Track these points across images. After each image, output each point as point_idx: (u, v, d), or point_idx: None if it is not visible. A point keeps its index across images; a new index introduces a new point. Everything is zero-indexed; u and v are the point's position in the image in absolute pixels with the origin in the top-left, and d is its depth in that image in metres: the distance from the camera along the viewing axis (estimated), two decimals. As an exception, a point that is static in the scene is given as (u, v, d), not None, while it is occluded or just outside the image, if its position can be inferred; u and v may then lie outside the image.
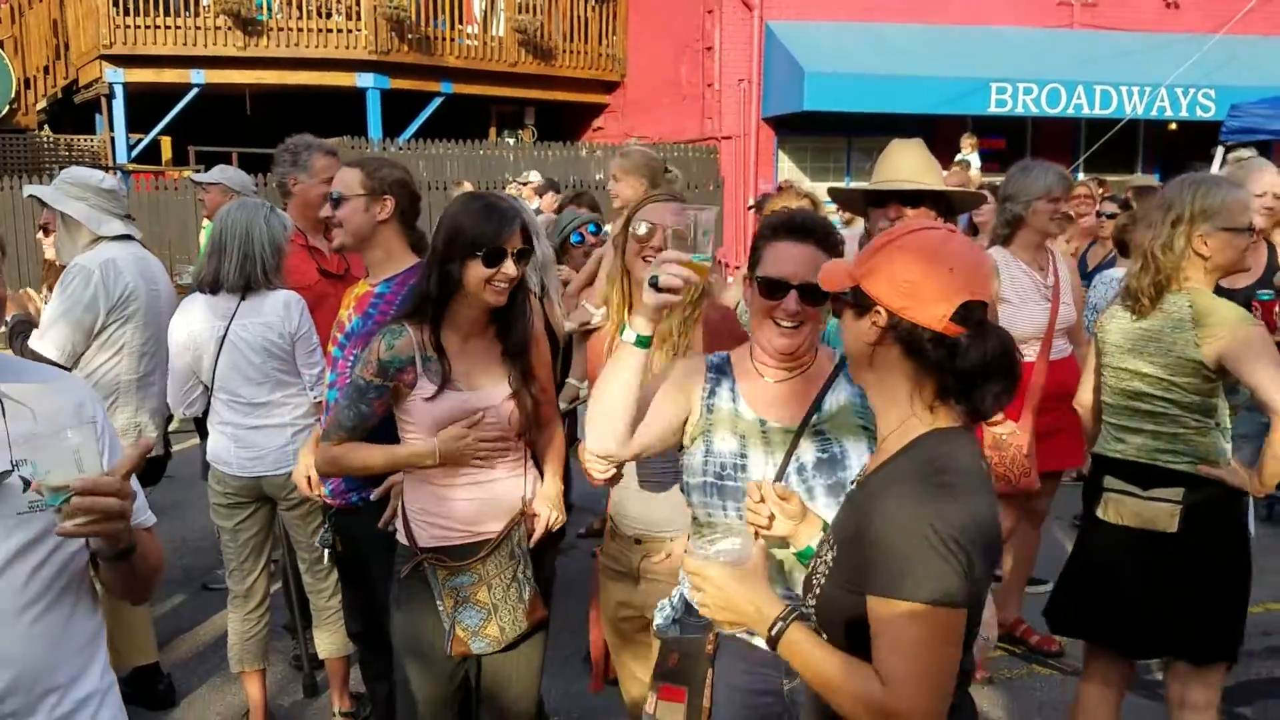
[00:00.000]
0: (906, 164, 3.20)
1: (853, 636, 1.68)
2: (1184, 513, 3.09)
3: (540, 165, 14.41)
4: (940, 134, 15.19)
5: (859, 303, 1.75)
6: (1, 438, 1.75)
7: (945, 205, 3.14)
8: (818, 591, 1.79)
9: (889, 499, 1.65)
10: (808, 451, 2.28)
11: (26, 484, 1.73)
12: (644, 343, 2.18)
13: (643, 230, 2.76)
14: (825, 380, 2.35)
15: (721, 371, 2.42)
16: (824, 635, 1.75)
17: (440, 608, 2.82)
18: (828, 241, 2.35)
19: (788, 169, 15.99)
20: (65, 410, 1.85)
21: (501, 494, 2.85)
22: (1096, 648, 3.41)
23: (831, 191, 4.09)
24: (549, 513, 2.91)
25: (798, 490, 2.20)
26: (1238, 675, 4.46)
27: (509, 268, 2.73)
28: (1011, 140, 15.41)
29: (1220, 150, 7.54)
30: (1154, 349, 3.12)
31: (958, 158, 13.10)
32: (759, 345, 2.35)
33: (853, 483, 1.92)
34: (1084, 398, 3.48)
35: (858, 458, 2.27)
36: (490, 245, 2.70)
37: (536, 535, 2.86)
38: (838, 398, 2.35)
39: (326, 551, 3.46)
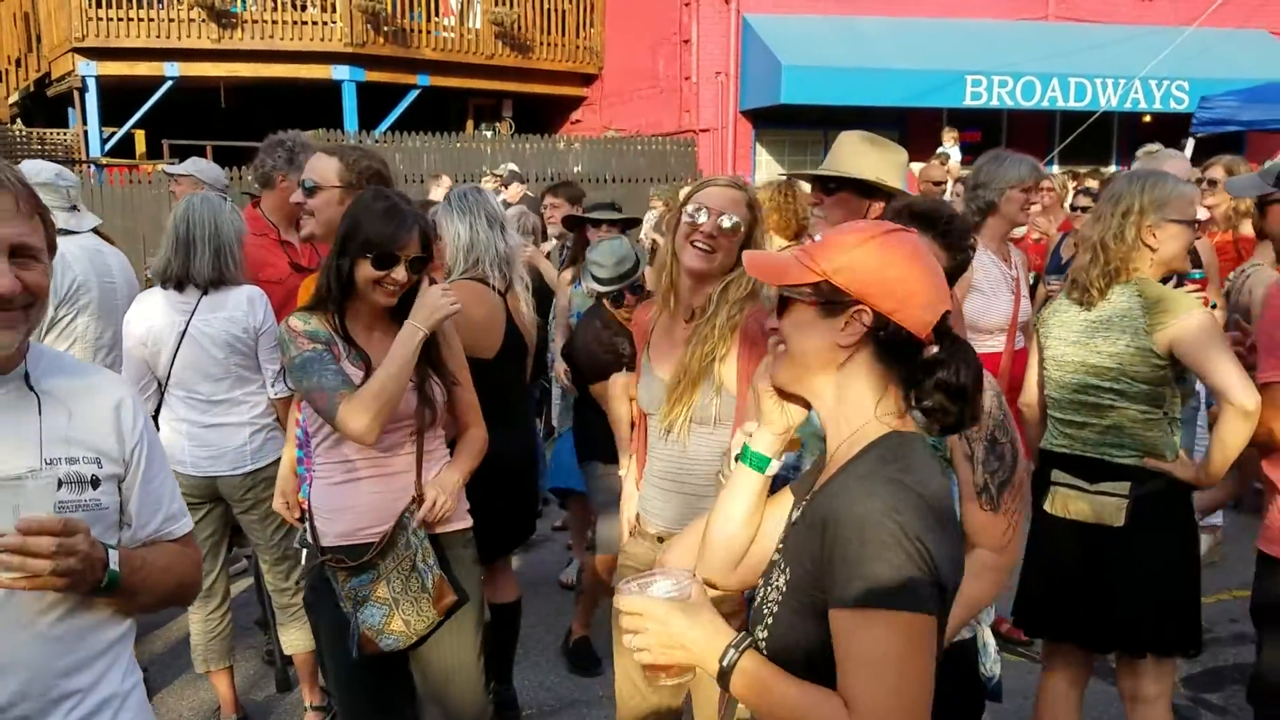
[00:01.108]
0: (841, 152, 3.18)
1: (814, 668, 1.52)
2: (1131, 506, 3.09)
3: (518, 158, 14.37)
4: (916, 127, 15.27)
5: (832, 299, 1.60)
6: (34, 435, 1.71)
7: (872, 193, 3.09)
8: (769, 621, 1.62)
9: (847, 499, 1.52)
10: None
11: (59, 483, 1.70)
12: (761, 464, 1.78)
13: (703, 218, 2.67)
14: None
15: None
16: None
17: (344, 609, 2.79)
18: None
19: (765, 162, 16.01)
20: (103, 410, 1.81)
21: (401, 488, 2.82)
22: (1053, 639, 3.42)
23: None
24: (435, 496, 2.82)
25: None
26: (1204, 663, 4.53)
27: (399, 273, 2.70)
28: (987, 133, 15.46)
29: (1190, 142, 7.61)
30: (1102, 339, 3.13)
31: (939, 150, 13.15)
32: None
33: (799, 504, 1.73)
34: (1029, 396, 3.48)
35: None
36: (382, 248, 2.68)
37: (419, 517, 2.79)
38: None
39: (305, 552, 3.45)
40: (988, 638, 2.51)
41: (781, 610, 1.59)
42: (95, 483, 1.77)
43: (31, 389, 1.74)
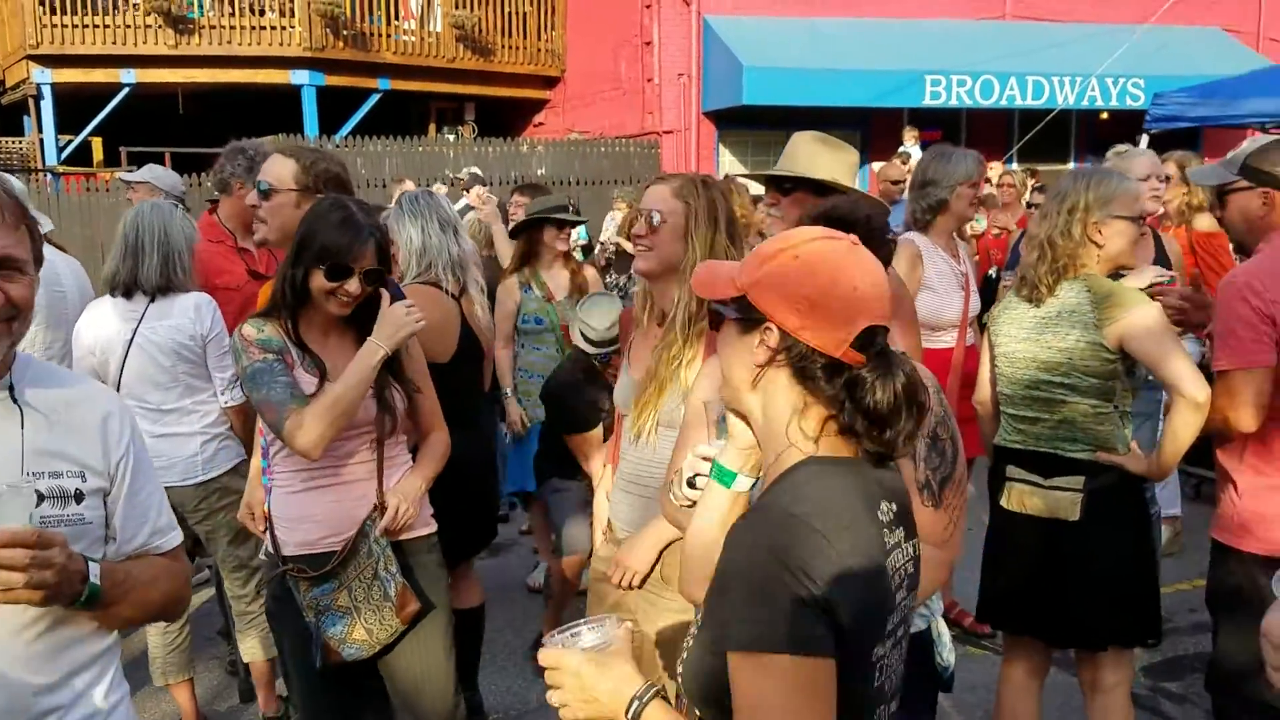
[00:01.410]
0: (795, 153, 3.20)
1: (721, 707, 1.45)
2: (1086, 500, 3.12)
3: (481, 161, 14.34)
4: (877, 127, 15.39)
5: (745, 316, 1.54)
6: (16, 448, 1.68)
7: (827, 193, 3.10)
8: (684, 655, 1.59)
9: (735, 533, 1.46)
10: None
11: (41, 497, 1.67)
12: (727, 479, 1.74)
13: (640, 219, 2.68)
14: None
15: None
16: (698, 713, 1.55)
17: (307, 619, 2.76)
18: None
19: (729, 163, 16.07)
20: (90, 423, 1.78)
21: (361, 496, 2.79)
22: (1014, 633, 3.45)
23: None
24: (397, 504, 2.79)
25: None
26: (1164, 652, 4.58)
27: (352, 285, 2.67)
28: (947, 132, 15.59)
29: (1145, 138, 7.72)
30: (1052, 336, 3.16)
31: (900, 150, 13.26)
32: None
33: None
34: (982, 393, 3.51)
35: None
36: (336, 259, 2.65)
37: (381, 525, 2.76)
38: None
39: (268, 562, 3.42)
40: (942, 628, 2.54)
41: (695, 644, 1.57)
42: (79, 497, 1.74)
43: (15, 401, 1.71)
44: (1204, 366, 3.16)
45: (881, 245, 2.34)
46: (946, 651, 2.53)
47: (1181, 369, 2.94)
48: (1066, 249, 3.14)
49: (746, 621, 1.39)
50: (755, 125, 15.48)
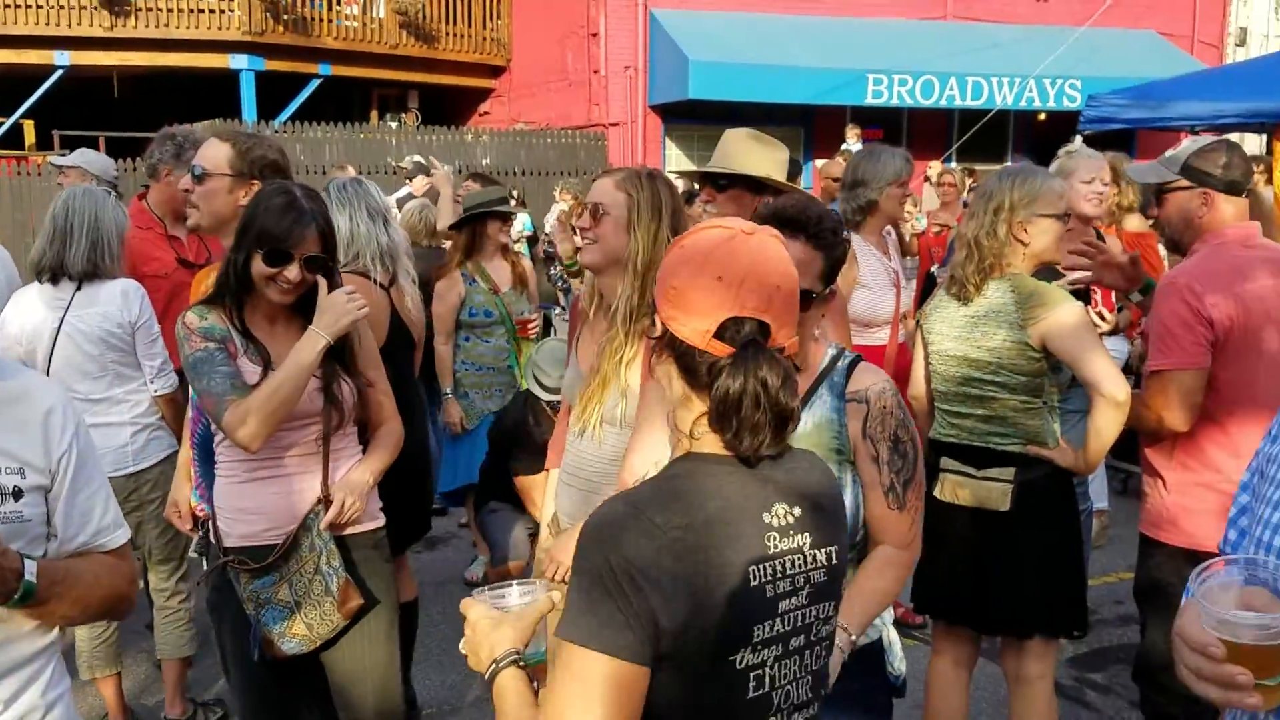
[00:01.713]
0: (729, 150, 3.21)
1: None
2: (1016, 492, 3.18)
3: (424, 150, 14.17)
4: (820, 124, 15.52)
5: (653, 306, 1.57)
6: None
7: (762, 189, 3.12)
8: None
9: (589, 520, 1.46)
10: None
11: None
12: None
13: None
14: (804, 392, 2.18)
15: None
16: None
17: (247, 612, 2.72)
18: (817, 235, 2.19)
19: (675, 156, 16.10)
20: (31, 418, 1.74)
21: (306, 488, 2.75)
22: (944, 623, 3.51)
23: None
24: (343, 498, 2.74)
25: None
26: (1090, 643, 4.68)
27: (292, 272, 2.62)
28: (889, 130, 15.76)
29: (1078, 139, 7.86)
30: (980, 334, 3.21)
31: (843, 147, 13.35)
32: None
33: None
34: (916, 389, 3.55)
35: None
36: (275, 245, 2.60)
37: (326, 520, 2.72)
38: (814, 414, 2.24)
39: (205, 556, 3.36)
40: (893, 637, 2.53)
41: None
42: (18, 494, 1.71)
43: None
44: (1128, 368, 3.23)
45: (835, 245, 2.35)
46: (898, 661, 2.52)
47: (1101, 368, 3.00)
48: (993, 248, 3.19)
49: (570, 610, 1.40)
50: (702, 120, 15.51)
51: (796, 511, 1.53)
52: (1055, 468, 3.20)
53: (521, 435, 4.22)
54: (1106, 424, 3.02)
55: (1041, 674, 3.34)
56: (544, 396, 4.21)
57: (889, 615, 2.54)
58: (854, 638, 2.19)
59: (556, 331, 8.09)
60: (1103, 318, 4.30)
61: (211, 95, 15.49)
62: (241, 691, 2.88)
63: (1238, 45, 17.19)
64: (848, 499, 2.20)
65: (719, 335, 1.47)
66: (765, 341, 1.49)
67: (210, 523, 2.79)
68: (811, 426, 2.21)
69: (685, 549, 1.40)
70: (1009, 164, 3.30)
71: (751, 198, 3.06)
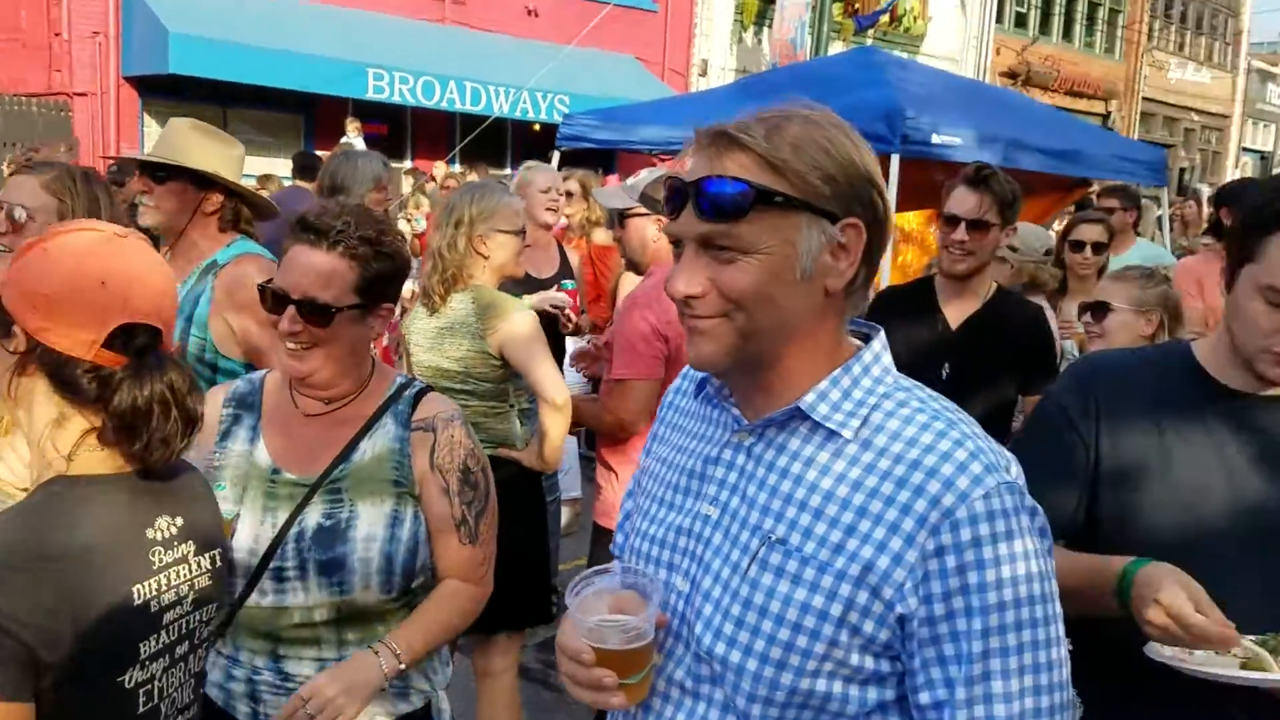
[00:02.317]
0: (173, 141, 2.96)
1: None
2: None
3: None
4: (323, 113, 15.09)
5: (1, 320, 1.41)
6: None
7: (210, 185, 2.91)
8: None
9: None
10: (314, 514, 1.95)
11: None
12: None
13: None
14: (365, 420, 2.01)
15: (244, 404, 2.02)
16: None
17: None
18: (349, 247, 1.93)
19: (156, 133, 14.76)
20: None
21: None
22: None
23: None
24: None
25: (291, 565, 1.88)
26: (556, 628, 4.96)
27: None
28: (393, 128, 15.72)
29: (556, 155, 8.32)
30: (449, 344, 3.32)
31: (343, 140, 13.06)
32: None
33: None
34: None
35: (369, 524, 1.96)
36: None
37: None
38: (375, 443, 2.04)
39: None
40: (443, 705, 2.30)
41: None
42: None
43: None
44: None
45: (372, 257, 2.15)
46: None
47: (545, 374, 3.23)
48: (454, 260, 3.31)
49: None
50: (188, 98, 14.39)
51: (180, 521, 1.50)
52: (522, 467, 3.36)
53: None
54: (552, 425, 3.26)
55: (507, 667, 3.49)
56: None
57: (442, 679, 2.29)
58: (403, 665, 2.02)
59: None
60: (571, 320, 4.58)
61: None
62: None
63: (700, 75, 19.26)
64: (405, 533, 2.04)
65: (108, 344, 1.38)
66: (159, 347, 1.42)
67: None
68: (370, 458, 2.04)
69: (64, 581, 1.33)
70: (472, 180, 3.48)
71: (196, 193, 2.85)
